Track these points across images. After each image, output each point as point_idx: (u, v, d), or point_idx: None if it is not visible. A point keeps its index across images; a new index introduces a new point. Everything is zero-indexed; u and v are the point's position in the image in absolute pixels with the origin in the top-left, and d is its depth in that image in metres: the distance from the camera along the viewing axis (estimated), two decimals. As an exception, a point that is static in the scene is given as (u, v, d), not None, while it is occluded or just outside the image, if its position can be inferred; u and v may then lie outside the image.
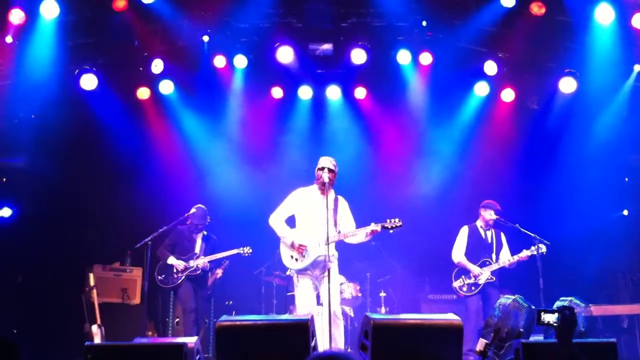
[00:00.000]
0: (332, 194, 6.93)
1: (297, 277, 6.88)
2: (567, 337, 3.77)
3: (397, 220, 6.66)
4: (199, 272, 8.21)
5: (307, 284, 6.80)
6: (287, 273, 7.18)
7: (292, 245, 6.81)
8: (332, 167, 6.88)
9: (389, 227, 6.67)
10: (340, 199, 7.01)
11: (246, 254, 8.23)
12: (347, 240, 6.91)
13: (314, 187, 7.01)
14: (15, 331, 8.82)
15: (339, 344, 6.70)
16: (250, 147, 9.80)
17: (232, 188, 9.48)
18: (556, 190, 9.33)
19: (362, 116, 9.95)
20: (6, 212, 9.09)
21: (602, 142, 8.98)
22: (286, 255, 6.91)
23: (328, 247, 6.63)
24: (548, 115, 9.45)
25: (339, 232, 6.86)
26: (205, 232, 8.45)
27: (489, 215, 8.30)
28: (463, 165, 9.79)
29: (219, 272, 8.62)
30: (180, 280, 8.16)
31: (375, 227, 6.68)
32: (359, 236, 6.83)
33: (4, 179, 9.14)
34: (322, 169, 6.85)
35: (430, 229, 9.32)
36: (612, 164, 9.07)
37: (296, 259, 6.81)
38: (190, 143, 9.73)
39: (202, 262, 8.21)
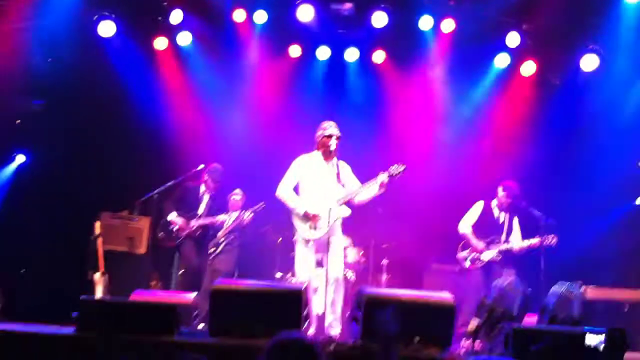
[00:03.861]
0: (334, 158, 6.87)
1: (302, 241, 6.84)
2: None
3: (399, 165, 6.69)
4: (198, 232, 8.29)
5: (310, 248, 6.77)
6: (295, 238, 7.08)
7: (306, 216, 6.75)
8: (340, 135, 6.83)
9: (395, 173, 6.69)
10: (342, 162, 6.90)
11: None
12: (358, 199, 6.88)
13: (317, 154, 6.95)
14: (23, 270, 9.03)
15: (338, 307, 6.74)
16: (264, 104, 9.69)
17: (244, 145, 9.43)
18: (571, 168, 9.19)
19: (379, 80, 9.79)
20: (20, 158, 9.24)
21: (621, 125, 8.83)
22: (302, 226, 6.79)
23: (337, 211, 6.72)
24: (570, 91, 9.27)
25: (347, 192, 6.83)
26: (210, 194, 8.48)
27: (504, 197, 8.21)
28: (480, 136, 9.64)
29: (247, 215, 8.35)
30: (181, 239, 8.25)
31: (383, 176, 6.67)
32: (370, 191, 6.80)
33: (18, 121, 9.21)
34: (330, 136, 6.78)
35: (441, 199, 9.25)
36: (630, 148, 8.92)
37: (314, 228, 6.73)
38: (204, 97, 9.65)
39: (200, 222, 8.27)
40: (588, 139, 9.08)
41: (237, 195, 8.60)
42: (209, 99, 9.63)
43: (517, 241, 8.17)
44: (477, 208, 8.36)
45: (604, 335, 4.01)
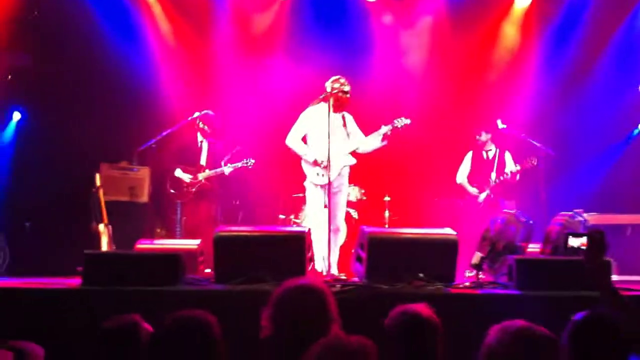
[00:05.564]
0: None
1: (311, 185, 7.13)
2: (595, 260, 3.57)
3: (404, 119, 7.05)
4: (206, 186, 8.26)
5: (319, 192, 7.06)
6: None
7: (315, 163, 7.01)
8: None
9: (399, 125, 7.03)
10: (347, 114, 7.22)
11: (250, 166, 8.16)
12: (363, 149, 7.19)
13: (324, 106, 7.03)
14: (28, 224, 9.03)
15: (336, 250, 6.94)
16: (256, 54, 9.52)
17: (237, 95, 9.32)
18: (568, 100, 9.14)
19: (371, 23, 9.57)
20: (16, 116, 9.16)
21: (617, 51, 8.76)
22: (311, 172, 7.10)
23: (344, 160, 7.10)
24: (568, 22, 9.14)
25: (353, 143, 7.14)
26: (208, 140, 8.40)
27: (484, 137, 8.51)
28: (478, 74, 9.50)
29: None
30: (190, 195, 8.25)
31: (385, 129, 7.03)
32: (373, 142, 7.09)
33: (9, 77, 9.07)
34: (347, 92, 6.98)
35: (443, 138, 9.23)
36: (627, 72, 8.87)
37: (322, 175, 6.97)
38: (198, 44, 9.48)
39: (206, 175, 8.23)
40: (590, 70, 9.01)
41: None
42: (202, 47, 9.46)
43: (509, 169, 8.32)
44: (468, 157, 8.66)
45: (585, 237, 4.09)
